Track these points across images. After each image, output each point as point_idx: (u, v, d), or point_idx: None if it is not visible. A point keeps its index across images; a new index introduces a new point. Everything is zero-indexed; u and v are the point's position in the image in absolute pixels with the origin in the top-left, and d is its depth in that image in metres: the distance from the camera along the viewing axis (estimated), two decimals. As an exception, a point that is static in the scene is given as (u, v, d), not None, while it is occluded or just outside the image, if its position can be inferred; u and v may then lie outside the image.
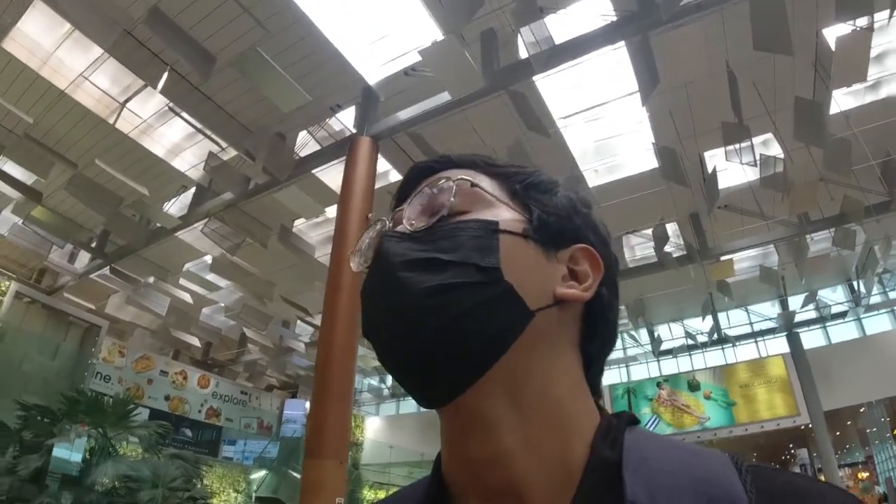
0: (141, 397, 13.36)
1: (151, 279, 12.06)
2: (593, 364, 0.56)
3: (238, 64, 5.76)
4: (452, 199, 0.53)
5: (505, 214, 0.54)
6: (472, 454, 0.49)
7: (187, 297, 12.33)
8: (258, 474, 14.71)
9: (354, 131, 7.12)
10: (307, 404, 16.77)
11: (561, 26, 5.99)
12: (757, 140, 7.96)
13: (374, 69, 7.24)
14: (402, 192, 0.60)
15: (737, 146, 7.09)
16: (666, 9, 5.20)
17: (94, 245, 11.19)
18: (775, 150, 8.23)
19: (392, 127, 6.81)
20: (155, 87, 7.25)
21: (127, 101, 8.32)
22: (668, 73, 5.78)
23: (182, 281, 12.34)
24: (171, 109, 8.25)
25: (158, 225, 9.44)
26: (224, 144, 8.31)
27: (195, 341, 14.33)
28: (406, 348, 0.48)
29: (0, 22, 7.35)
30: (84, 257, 12.19)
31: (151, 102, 8.45)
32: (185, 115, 8.07)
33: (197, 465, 6.57)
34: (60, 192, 9.54)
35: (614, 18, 5.65)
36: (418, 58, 6.29)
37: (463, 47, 5.86)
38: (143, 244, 9.89)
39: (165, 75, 7.17)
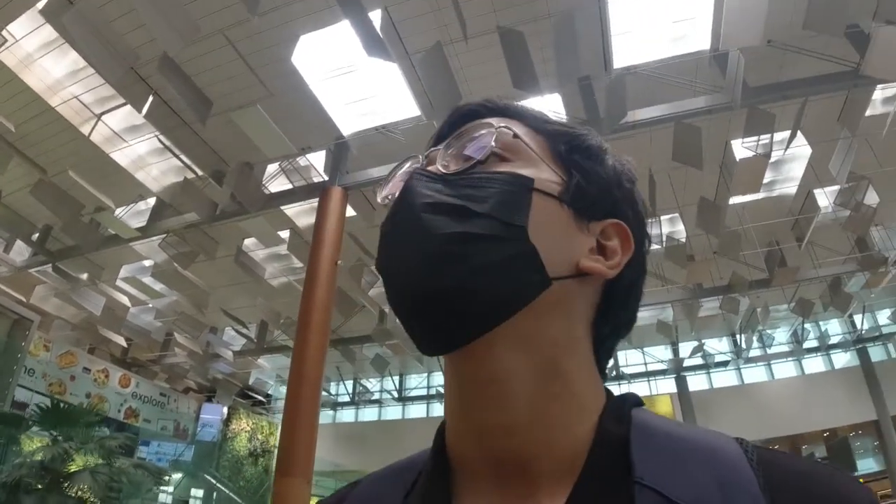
0: (63, 393, 13.28)
1: (85, 275, 12.09)
2: (603, 345, 0.55)
3: (237, 116, 6.41)
4: (493, 144, 0.52)
5: (543, 173, 0.53)
6: (480, 421, 0.49)
7: (124, 300, 12.43)
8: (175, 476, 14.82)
9: (325, 177, 7.89)
10: (224, 409, 17.03)
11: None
12: (665, 218, 9.42)
13: (348, 121, 8.03)
14: (442, 133, 0.59)
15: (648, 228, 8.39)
16: (609, 124, 6.35)
17: (34, 239, 11.18)
18: (679, 227, 9.71)
19: (362, 182, 7.62)
20: (139, 110, 7.69)
21: (103, 113, 8.65)
22: (603, 170, 6.96)
23: (118, 282, 12.44)
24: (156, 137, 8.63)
25: (112, 232, 9.70)
26: (194, 167, 8.79)
27: (117, 338, 14.29)
28: (419, 289, 0.47)
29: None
30: (20, 248, 12.06)
31: (125, 116, 8.79)
32: (159, 134, 8.47)
33: (159, 475, 7.06)
34: (9, 186, 9.62)
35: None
36: (391, 118, 7.15)
37: (434, 124, 6.80)
38: (94, 248, 10.09)
39: (150, 99, 7.66)
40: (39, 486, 6.51)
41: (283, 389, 18.84)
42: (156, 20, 5.73)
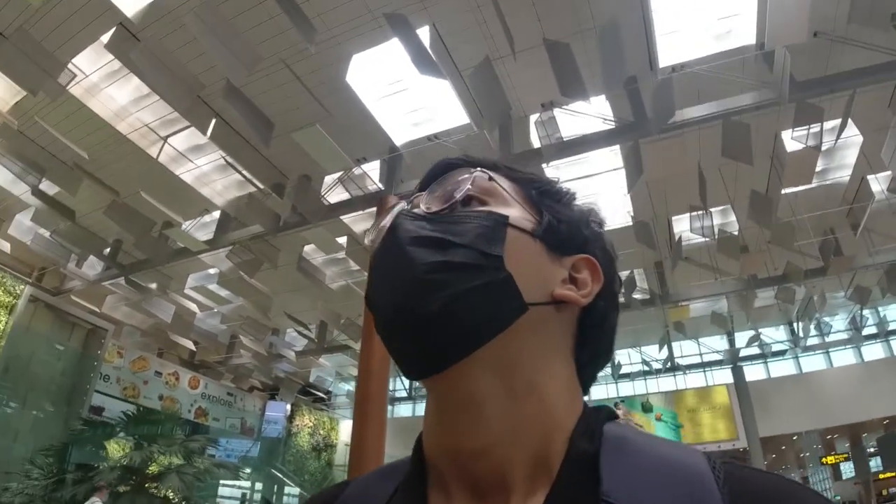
0: (137, 396, 14.10)
1: (154, 285, 12.76)
2: (584, 372, 0.58)
3: (298, 136, 6.77)
4: (469, 186, 0.57)
5: (516, 212, 0.58)
6: (457, 440, 0.51)
7: (192, 307, 13.08)
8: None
9: (381, 186, 8.23)
10: (287, 406, 17.68)
11: (570, 124, 7.24)
12: (716, 210, 9.41)
13: (400, 131, 8.34)
14: (425, 184, 0.63)
15: (700, 224, 8.45)
16: (656, 125, 6.46)
17: (106, 254, 11.87)
18: (731, 218, 9.69)
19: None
20: (204, 132, 8.15)
21: (169, 136, 9.19)
22: (651, 170, 7.08)
23: (186, 290, 13.10)
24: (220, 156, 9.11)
25: (182, 245, 10.26)
26: (256, 181, 9.24)
27: (186, 343, 15.01)
28: (401, 316, 0.50)
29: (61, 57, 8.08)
30: (92, 262, 12.79)
31: (188, 136, 9.30)
32: (223, 155, 8.94)
33: (237, 472, 7.55)
34: (83, 206, 10.26)
35: (613, 125, 6.93)
36: (442, 126, 7.39)
37: (485, 132, 7.06)
38: (165, 262, 10.69)
39: (213, 122, 8.12)
40: (128, 488, 7.07)
41: (343, 386, 19.56)
42: (220, 52, 6.12)
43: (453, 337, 0.50)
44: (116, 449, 9.25)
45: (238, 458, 15.99)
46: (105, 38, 7.43)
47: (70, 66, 7.82)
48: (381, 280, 0.54)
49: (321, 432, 18.26)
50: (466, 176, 0.59)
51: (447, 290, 0.49)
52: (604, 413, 0.55)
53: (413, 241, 0.52)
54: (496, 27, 5.85)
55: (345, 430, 19.24)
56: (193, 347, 14.77)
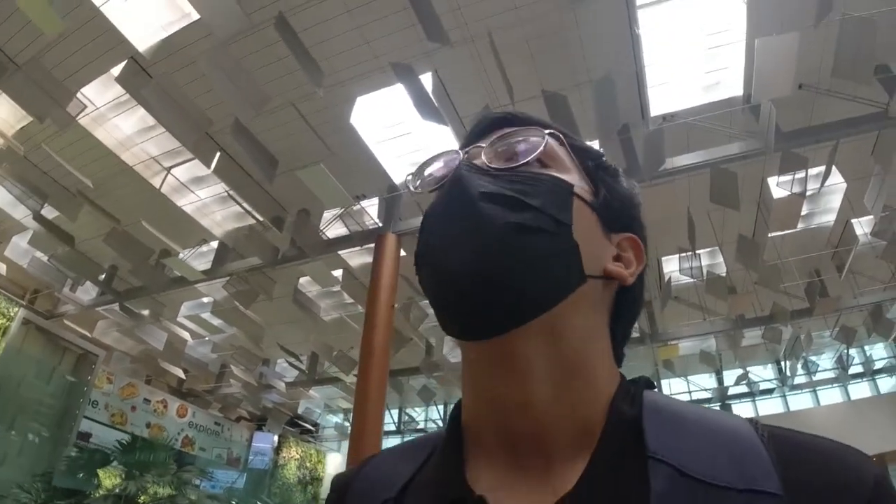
0: (124, 423, 13.98)
1: (146, 312, 12.79)
2: (618, 343, 0.59)
3: (302, 174, 6.97)
4: (541, 149, 0.56)
5: (579, 181, 0.58)
6: (501, 397, 0.51)
7: (186, 335, 13.11)
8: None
9: (379, 223, 8.42)
10: (275, 438, 17.56)
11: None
12: (704, 251, 9.66)
13: (400, 171, 8.55)
14: (476, 133, 0.64)
15: (689, 265, 8.69)
16: (647, 172, 6.72)
17: (102, 279, 11.92)
18: (719, 260, 9.95)
19: (414, 228, 8.10)
20: (208, 166, 8.32)
21: (172, 167, 9.37)
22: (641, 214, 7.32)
23: (179, 318, 13.15)
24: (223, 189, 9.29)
25: (179, 274, 10.37)
26: (255, 214, 9.40)
27: (176, 371, 14.97)
28: (471, 274, 0.48)
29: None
30: (88, 286, 12.82)
31: (190, 168, 9.48)
32: (227, 189, 9.09)
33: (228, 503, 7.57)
34: (82, 231, 10.36)
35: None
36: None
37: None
38: (161, 290, 10.77)
39: (217, 156, 8.30)
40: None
41: (331, 418, 19.48)
42: (230, 91, 6.35)
43: (521, 302, 0.49)
44: (104, 476, 9.20)
45: (223, 489, 15.81)
46: (115, 70, 7.64)
47: (78, 95, 8.02)
48: (445, 235, 0.51)
49: (308, 465, 18.09)
50: (538, 137, 0.57)
51: (520, 254, 0.49)
52: (642, 382, 0.56)
53: (485, 197, 0.51)
54: (496, 76, 6.11)
55: (331, 463, 19.09)
56: (183, 375, 14.74)
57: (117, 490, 7.10)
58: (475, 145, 0.60)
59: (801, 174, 7.32)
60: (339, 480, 0.64)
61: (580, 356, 0.52)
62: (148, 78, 7.54)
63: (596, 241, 0.56)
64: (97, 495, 7.26)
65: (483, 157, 0.57)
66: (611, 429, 0.49)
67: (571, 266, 0.51)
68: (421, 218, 0.57)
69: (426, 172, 0.62)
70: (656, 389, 0.56)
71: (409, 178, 0.63)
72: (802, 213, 8.08)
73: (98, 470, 9.88)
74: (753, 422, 0.49)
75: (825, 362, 15.40)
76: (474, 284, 0.48)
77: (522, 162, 0.56)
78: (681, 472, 0.43)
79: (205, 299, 12.70)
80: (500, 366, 0.51)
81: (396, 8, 6.08)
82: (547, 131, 0.58)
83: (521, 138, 0.58)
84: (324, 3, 6.37)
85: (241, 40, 6.87)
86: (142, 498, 7.70)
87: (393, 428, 19.26)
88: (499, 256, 0.48)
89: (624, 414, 0.50)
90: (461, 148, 0.63)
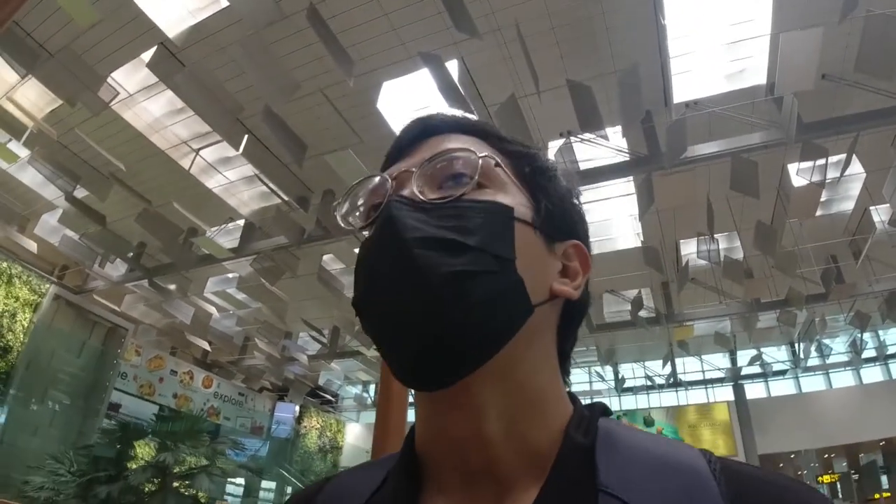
0: (152, 394, 14.49)
1: (172, 286, 13.11)
2: (566, 361, 0.58)
3: (332, 158, 7.15)
4: (476, 177, 0.52)
5: (517, 199, 0.54)
6: (453, 435, 0.50)
7: (212, 309, 13.46)
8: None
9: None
10: (296, 408, 18.05)
11: (586, 151, 7.63)
12: (722, 235, 9.77)
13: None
14: (400, 148, 0.60)
15: (706, 248, 8.81)
16: (669, 159, 6.84)
17: (130, 256, 12.24)
18: (737, 244, 10.06)
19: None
20: (237, 148, 8.51)
21: (201, 149, 9.60)
22: (661, 200, 7.46)
23: (205, 293, 13.51)
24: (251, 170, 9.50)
25: (207, 252, 10.65)
26: (281, 193, 9.62)
27: (202, 343, 15.37)
28: (413, 328, 0.47)
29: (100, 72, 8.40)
30: (117, 262, 13.13)
31: (218, 149, 9.70)
32: (257, 171, 9.30)
33: (260, 473, 7.93)
34: (113, 210, 10.64)
35: (627, 157, 7.32)
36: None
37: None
38: (190, 267, 11.08)
39: (245, 138, 8.49)
40: (156, 488, 7.45)
41: (351, 389, 19.95)
42: (260, 79, 6.53)
43: (469, 350, 0.47)
44: (138, 447, 9.61)
45: (247, 457, 16.34)
46: (145, 56, 7.80)
47: (108, 80, 8.20)
48: (382, 284, 0.49)
49: (328, 434, 18.61)
50: (470, 155, 0.54)
51: (465, 302, 0.46)
52: (598, 409, 0.55)
53: (420, 242, 0.48)
54: (522, 65, 6.22)
55: (351, 433, 19.60)
56: (209, 348, 15.14)
57: (155, 461, 7.46)
58: (404, 169, 0.55)
59: (821, 161, 7.39)
60: (298, 498, 0.63)
61: (531, 388, 0.51)
62: (177, 63, 7.75)
63: (540, 265, 0.54)
64: (134, 466, 7.63)
65: (413, 186, 0.53)
66: (562, 460, 0.48)
67: (518, 302, 0.50)
68: None
69: (356, 201, 0.59)
70: (612, 417, 0.55)
71: (337, 206, 0.60)
72: (822, 199, 8.15)
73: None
74: (706, 455, 0.48)
75: (839, 346, 15.49)
76: (419, 340, 0.47)
77: (457, 195, 0.52)
78: None
79: (230, 275, 13.01)
80: (452, 408, 0.50)
81: (425, -3, 6.19)
82: (482, 154, 0.54)
83: (452, 159, 0.54)
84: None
85: (270, 27, 7.03)
86: (176, 468, 8.07)
87: (411, 399, 19.66)
88: (441, 309, 0.46)
89: (576, 444, 0.49)
90: (388, 165, 0.59)
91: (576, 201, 0.61)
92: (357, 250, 0.54)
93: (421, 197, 0.52)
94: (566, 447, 0.49)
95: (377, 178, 0.57)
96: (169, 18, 7.51)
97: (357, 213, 0.59)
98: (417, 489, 0.53)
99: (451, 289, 0.46)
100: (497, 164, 0.54)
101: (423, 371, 0.48)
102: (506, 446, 0.49)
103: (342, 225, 0.60)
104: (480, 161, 0.53)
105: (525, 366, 0.51)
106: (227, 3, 6.64)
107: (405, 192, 0.52)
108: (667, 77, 7.16)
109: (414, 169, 0.54)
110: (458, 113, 0.61)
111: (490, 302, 0.47)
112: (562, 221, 0.57)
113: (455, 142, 0.56)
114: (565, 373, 0.58)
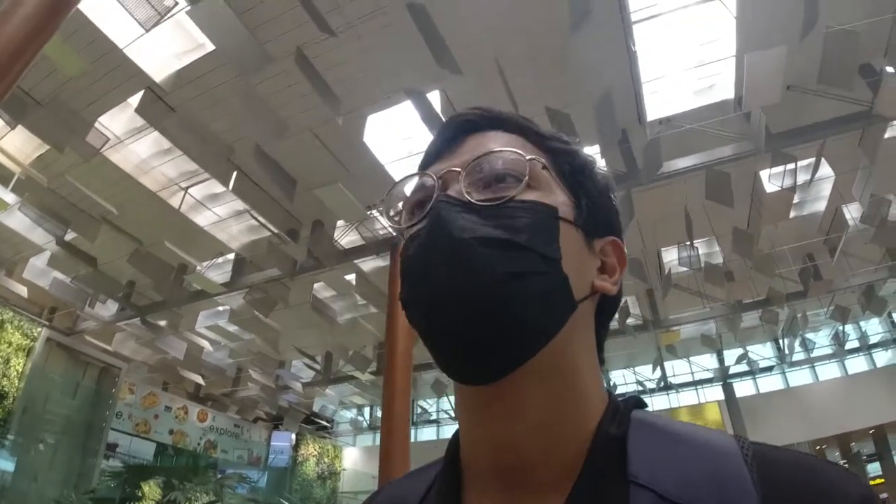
0: (148, 432, 14.44)
1: (163, 322, 13.13)
2: (600, 349, 0.59)
3: (321, 193, 7.35)
4: (527, 179, 0.54)
5: (559, 198, 0.56)
6: (496, 430, 0.52)
7: (205, 343, 13.51)
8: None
9: (393, 232, 8.83)
10: (292, 436, 18.03)
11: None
12: (702, 241, 10.09)
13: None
14: (440, 148, 0.60)
15: (687, 255, 9.13)
16: (646, 175, 7.14)
17: (121, 296, 12.27)
18: (716, 249, 10.40)
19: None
20: (226, 186, 8.66)
21: (189, 187, 9.74)
22: (641, 213, 7.76)
23: (197, 328, 13.56)
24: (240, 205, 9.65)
25: (199, 288, 10.75)
26: (270, 226, 9.78)
27: (195, 377, 15.35)
28: (466, 326, 0.48)
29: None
30: (107, 302, 13.14)
31: (206, 185, 9.83)
32: (248, 208, 9.46)
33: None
34: (103, 252, 10.70)
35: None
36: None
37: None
38: (182, 304, 11.17)
39: (234, 175, 8.66)
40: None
41: (345, 413, 19.98)
42: (250, 122, 6.74)
43: (517, 346, 0.49)
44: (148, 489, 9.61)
45: (247, 489, 16.27)
46: (132, 100, 7.95)
47: (96, 124, 8.32)
48: (435, 283, 0.50)
49: (325, 460, 18.61)
50: (516, 158, 0.55)
51: (517, 299, 0.49)
52: (631, 401, 0.55)
53: (473, 242, 0.49)
54: (502, 94, 6.47)
55: (348, 457, 19.60)
56: (202, 381, 15.15)
57: (166, 501, 7.53)
58: (449, 168, 0.56)
59: (791, 166, 7.75)
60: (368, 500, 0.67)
61: (573, 380, 0.53)
62: (165, 106, 7.90)
63: (582, 263, 0.55)
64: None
65: (461, 186, 0.54)
66: (596, 451, 0.49)
67: (564, 299, 0.52)
68: None
69: (400, 198, 0.61)
70: (646, 408, 0.56)
71: (381, 204, 0.84)
72: (795, 201, 8.50)
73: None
74: (740, 440, 0.49)
75: (822, 339, 15.85)
76: (472, 337, 0.49)
77: (507, 197, 0.53)
78: (661, 496, 0.44)
79: (220, 308, 13.10)
80: (497, 407, 0.51)
81: (406, 33, 6.41)
82: (529, 157, 0.55)
83: (500, 160, 0.55)
84: (337, 34, 6.70)
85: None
86: (185, 506, 8.14)
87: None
88: (493, 308, 0.48)
89: (610, 436, 0.50)
90: (430, 162, 0.60)
91: (613, 196, 0.63)
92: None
93: (468, 197, 0.53)
94: (599, 439, 0.50)
95: (422, 178, 0.58)
96: (154, 63, 7.67)
97: (401, 211, 0.60)
98: (459, 491, 0.55)
99: (503, 288, 0.48)
100: (543, 167, 0.56)
101: (474, 367, 0.50)
102: (547, 440, 0.51)
103: (388, 222, 0.69)
104: (528, 164, 0.54)
105: (567, 358, 0.53)
106: (213, 48, 6.77)
107: (452, 192, 0.54)
108: (639, 97, 7.48)
109: (460, 168, 0.55)
110: (493, 109, 0.61)
111: (539, 300, 0.50)
112: (600, 218, 0.59)
113: (498, 140, 0.58)
114: (601, 362, 0.59)
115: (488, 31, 6.69)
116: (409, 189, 0.59)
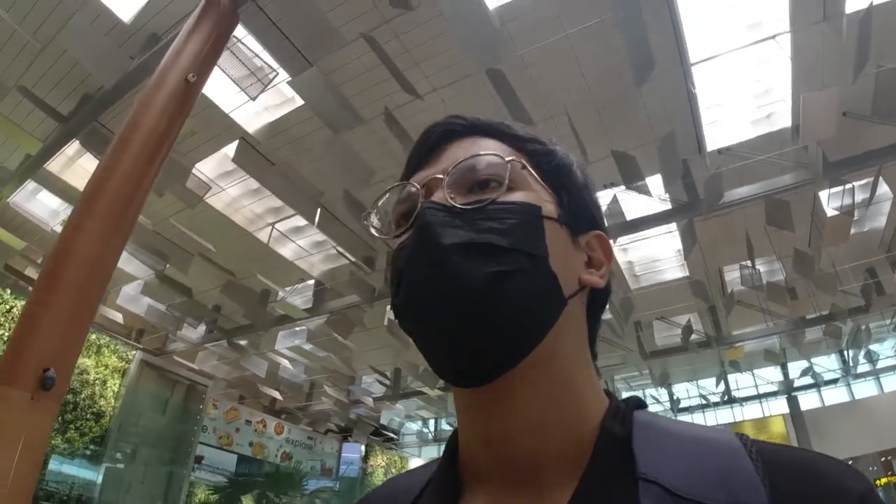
0: (231, 444, 15.42)
1: (244, 342, 14.05)
2: (593, 348, 0.59)
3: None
4: (507, 181, 0.54)
5: (542, 197, 0.56)
6: (494, 429, 0.52)
7: (285, 362, 14.40)
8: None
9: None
10: (362, 447, 18.80)
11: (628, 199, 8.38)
12: (763, 260, 10.34)
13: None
14: (420, 156, 0.61)
15: (749, 273, 9.41)
16: (708, 205, 7.57)
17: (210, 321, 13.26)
18: (777, 266, 10.63)
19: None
20: (312, 222, 9.44)
21: (276, 222, 10.62)
22: (703, 238, 8.17)
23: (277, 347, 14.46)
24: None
25: (282, 313, 11.61)
26: (348, 255, 10.52)
27: (273, 393, 16.23)
28: (458, 330, 0.49)
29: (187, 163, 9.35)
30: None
31: (291, 220, 10.69)
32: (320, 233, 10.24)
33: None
34: (195, 282, 11.66)
35: (669, 206, 8.07)
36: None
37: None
38: (268, 327, 12.06)
39: (319, 212, 9.44)
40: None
41: (411, 425, 20.68)
42: (341, 173, 7.48)
43: (512, 346, 0.50)
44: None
45: (321, 500, 17.10)
46: (230, 151, 8.78)
47: (193, 170, 9.21)
48: (425, 290, 0.51)
49: (393, 471, 19.30)
50: (496, 161, 0.56)
51: (506, 302, 0.49)
52: (632, 402, 0.56)
53: (460, 249, 0.50)
54: (571, 140, 7.00)
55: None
56: (280, 397, 16.03)
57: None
58: (431, 175, 0.57)
59: (849, 187, 8.01)
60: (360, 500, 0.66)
61: (567, 376, 0.53)
62: (258, 155, 8.74)
63: (569, 258, 0.56)
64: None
65: (444, 192, 0.55)
66: (601, 449, 0.50)
67: (553, 296, 0.52)
68: None
69: (386, 209, 0.62)
70: (647, 409, 0.56)
71: (368, 216, 0.63)
72: (855, 218, 8.73)
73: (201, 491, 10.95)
74: (742, 437, 0.49)
75: (887, 350, 15.67)
76: (465, 341, 0.49)
77: (489, 199, 0.54)
78: (670, 491, 0.44)
79: (298, 328, 13.95)
80: (494, 406, 0.52)
81: (484, 95, 6.98)
82: (508, 158, 0.56)
83: (480, 164, 0.56)
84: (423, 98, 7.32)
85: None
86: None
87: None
88: (485, 311, 0.49)
89: (614, 434, 0.51)
90: (412, 172, 0.61)
91: (593, 190, 0.64)
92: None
93: (452, 202, 0.53)
94: (603, 438, 0.50)
95: (405, 187, 0.59)
96: (247, 116, 8.55)
97: (391, 220, 0.60)
98: (457, 489, 0.55)
99: (493, 290, 0.49)
100: (523, 167, 0.56)
101: (468, 369, 0.50)
102: (542, 439, 0.51)
103: (375, 235, 0.62)
104: (508, 165, 0.55)
105: (560, 355, 0.53)
106: (303, 102, 7.42)
107: (436, 198, 0.54)
108: (699, 129, 7.89)
109: (442, 175, 0.56)
110: (468, 116, 0.62)
111: (530, 299, 0.50)
112: (583, 214, 0.60)
113: (477, 146, 0.59)
114: (594, 356, 0.59)
115: (558, 85, 7.26)
116: (393, 201, 0.61)
